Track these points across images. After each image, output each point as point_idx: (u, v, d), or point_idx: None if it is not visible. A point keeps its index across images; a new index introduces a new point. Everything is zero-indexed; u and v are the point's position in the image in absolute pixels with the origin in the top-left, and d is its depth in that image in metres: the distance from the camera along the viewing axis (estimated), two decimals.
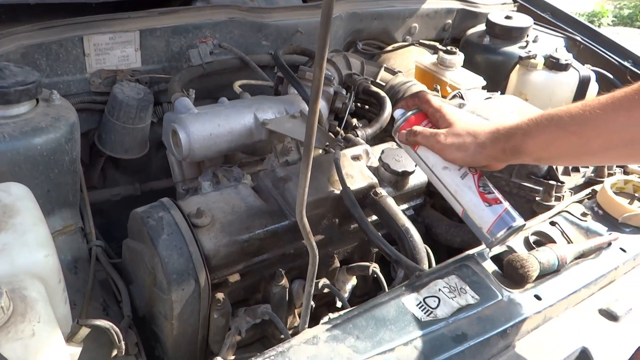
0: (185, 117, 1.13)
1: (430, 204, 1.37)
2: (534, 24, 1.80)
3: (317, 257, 0.73)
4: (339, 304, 1.10)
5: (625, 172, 1.22)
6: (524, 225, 0.90)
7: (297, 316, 1.14)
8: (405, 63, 1.69)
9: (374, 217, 1.14)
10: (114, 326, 0.84)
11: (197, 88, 1.39)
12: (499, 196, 0.91)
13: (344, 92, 1.33)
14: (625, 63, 1.70)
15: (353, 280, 1.17)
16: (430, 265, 1.09)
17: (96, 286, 1.07)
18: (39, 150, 1.02)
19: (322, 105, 1.28)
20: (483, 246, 0.96)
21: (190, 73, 1.34)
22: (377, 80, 1.49)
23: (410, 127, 0.96)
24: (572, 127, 0.80)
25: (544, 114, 0.85)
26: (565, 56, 1.60)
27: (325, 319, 0.83)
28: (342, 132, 1.37)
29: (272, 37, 1.52)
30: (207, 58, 1.36)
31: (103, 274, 1.10)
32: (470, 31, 1.86)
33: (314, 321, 0.85)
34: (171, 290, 0.91)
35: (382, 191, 1.12)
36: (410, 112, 0.98)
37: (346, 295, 1.17)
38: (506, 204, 0.89)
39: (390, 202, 1.11)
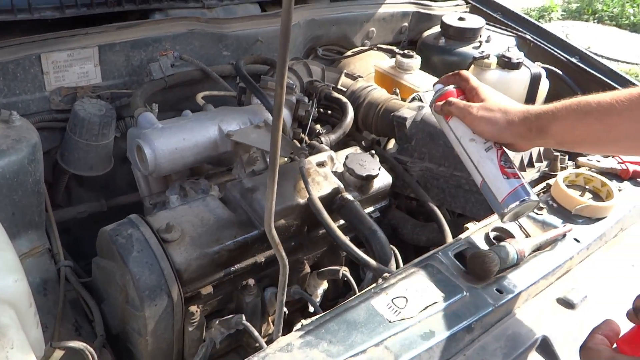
0: (149, 132, 1.13)
1: (396, 205, 1.41)
2: (486, 24, 1.86)
3: (287, 266, 0.75)
4: (311, 309, 1.13)
5: (577, 166, 1.28)
6: (538, 202, 0.95)
7: (270, 324, 1.15)
8: (365, 67, 1.73)
9: (342, 222, 1.17)
10: (88, 347, 0.84)
11: (159, 101, 1.39)
12: (518, 172, 0.96)
13: (306, 99, 1.36)
14: (573, 59, 1.78)
15: (324, 285, 1.20)
16: (397, 266, 1.12)
17: (67, 307, 1.06)
18: (1, 174, 1.01)
19: (285, 114, 1.30)
20: (447, 245, 1.00)
21: (152, 87, 1.34)
22: (338, 86, 1.52)
23: (446, 99, 1.02)
24: (597, 113, 0.85)
25: (574, 100, 0.90)
26: (516, 55, 1.67)
27: (298, 325, 0.85)
28: (306, 139, 1.39)
29: (233, 47, 1.53)
30: (168, 71, 1.37)
31: (73, 294, 1.09)
32: (426, 33, 1.91)
33: (287, 327, 0.87)
34: (144, 306, 0.91)
35: (348, 196, 1.15)
36: (448, 87, 1.04)
37: (318, 299, 1.19)
38: (524, 180, 0.95)
39: (357, 206, 1.14)
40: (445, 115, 1.02)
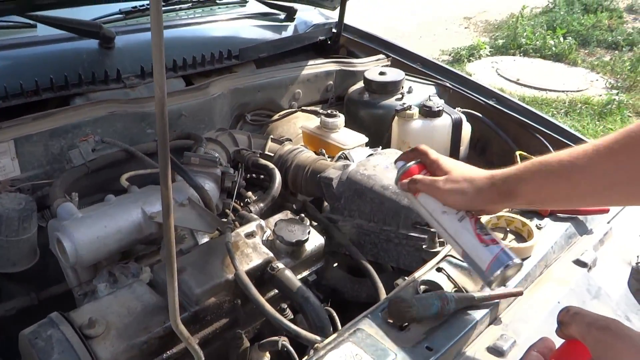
0: (68, 224, 1.11)
1: (335, 263, 1.42)
2: (407, 75, 1.94)
3: (203, 358, 0.73)
4: None
5: None
6: (521, 264, 0.96)
7: None
8: (293, 129, 1.76)
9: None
10: None
11: (84, 186, 1.37)
12: (496, 238, 0.97)
13: (231, 170, 1.36)
14: (490, 102, 1.87)
15: (267, 357, 1.17)
16: (335, 328, 1.12)
17: None
18: None
19: (211, 187, 1.30)
20: (376, 305, 1.01)
21: (73, 174, 1.32)
22: (266, 152, 1.54)
23: (410, 176, 1.03)
24: (561, 171, 0.88)
25: (535, 160, 0.92)
26: (437, 103, 1.74)
27: None
28: (238, 207, 1.39)
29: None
30: (89, 156, 1.35)
31: None
32: (352, 89, 1.98)
33: None
34: None
35: (278, 265, 1.15)
36: (409, 164, 1.05)
37: None
38: (502, 245, 0.96)
39: (288, 274, 1.14)
40: (413, 193, 1.04)
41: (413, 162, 1.06)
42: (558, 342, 0.76)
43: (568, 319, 0.69)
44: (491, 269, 0.93)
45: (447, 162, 1.03)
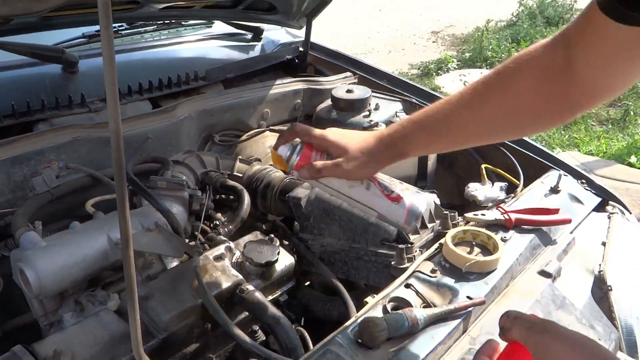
0: (30, 254, 1.09)
1: (307, 283, 1.42)
2: (373, 92, 1.96)
3: None
4: None
5: (466, 222, 1.34)
6: (433, 198, 1.15)
7: None
8: (262, 149, 1.77)
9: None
10: None
11: (49, 213, 1.34)
12: (400, 191, 1.09)
13: (199, 193, 1.36)
14: None
15: None
16: (307, 349, 1.11)
17: None
18: None
19: (179, 211, 1.29)
20: (345, 325, 1.01)
21: (36, 202, 1.29)
22: (234, 172, 1.54)
23: (305, 162, 1.03)
24: (434, 126, 1.01)
25: (414, 117, 1.03)
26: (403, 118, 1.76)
27: None
28: (207, 229, 1.38)
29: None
30: (53, 183, 1.33)
31: None
32: (320, 107, 1.99)
33: None
34: None
35: (248, 287, 1.15)
36: (297, 148, 1.04)
37: None
38: (407, 193, 1.09)
39: (257, 295, 1.13)
40: (316, 179, 1.06)
41: (298, 144, 1.05)
42: (503, 344, 0.78)
43: (509, 324, 0.72)
44: (408, 220, 1.08)
45: (336, 137, 1.05)
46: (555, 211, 1.35)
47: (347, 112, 1.90)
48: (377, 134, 1.05)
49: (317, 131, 1.06)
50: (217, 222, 1.39)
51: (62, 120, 1.56)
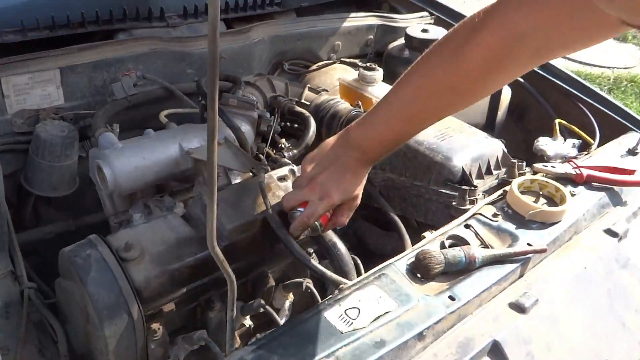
0: (109, 153, 1.15)
1: (363, 215, 1.43)
2: None
3: (235, 282, 0.76)
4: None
5: (534, 172, 1.31)
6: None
7: (237, 338, 1.16)
8: (330, 81, 1.75)
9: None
10: None
11: (124, 120, 1.40)
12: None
13: (268, 115, 1.38)
14: None
15: (290, 297, 1.21)
16: (359, 275, 1.14)
17: (31, 329, 1.06)
18: None
19: (247, 130, 1.32)
20: (402, 254, 1.02)
21: (114, 107, 1.35)
22: (302, 100, 1.55)
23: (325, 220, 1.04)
24: (381, 119, 1.00)
25: (360, 121, 1.02)
26: None
27: (253, 339, 0.86)
28: (271, 153, 1.41)
29: (196, 65, 1.55)
30: (131, 90, 1.38)
31: (39, 316, 1.09)
32: (392, 45, 1.94)
33: None
34: (103, 326, 0.92)
35: None
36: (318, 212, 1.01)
37: (286, 312, 1.21)
38: None
39: None
40: None
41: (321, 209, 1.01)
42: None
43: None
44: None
45: (321, 180, 1.02)
46: (631, 172, 1.29)
47: (420, 52, 1.82)
48: (344, 145, 1.04)
49: (300, 192, 1.04)
50: (282, 146, 1.40)
51: (141, 32, 1.59)
